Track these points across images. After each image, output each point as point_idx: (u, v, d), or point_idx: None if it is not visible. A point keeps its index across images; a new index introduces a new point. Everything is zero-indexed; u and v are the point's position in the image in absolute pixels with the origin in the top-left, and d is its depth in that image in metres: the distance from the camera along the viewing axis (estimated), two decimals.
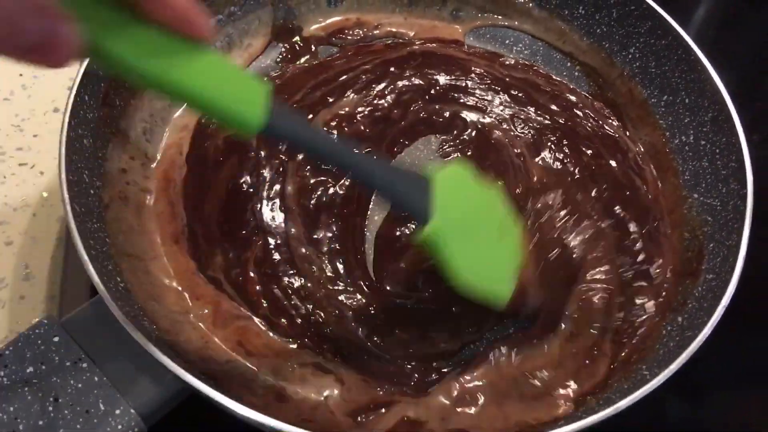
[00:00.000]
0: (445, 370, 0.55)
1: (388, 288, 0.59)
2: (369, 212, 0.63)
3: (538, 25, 0.77)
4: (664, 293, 0.59)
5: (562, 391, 0.54)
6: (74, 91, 0.57)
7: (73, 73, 0.72)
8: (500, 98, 0.71)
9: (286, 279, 0.58)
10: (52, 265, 0.61)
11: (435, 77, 0.71)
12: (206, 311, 0.57)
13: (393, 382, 0.54)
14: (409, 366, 0.55)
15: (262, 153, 0.64)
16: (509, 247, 0.55)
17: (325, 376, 0.54)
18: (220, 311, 0.56)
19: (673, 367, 0.49)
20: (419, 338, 0.57)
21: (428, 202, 0.49)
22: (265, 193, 0.62)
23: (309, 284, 0.58)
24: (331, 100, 0.69)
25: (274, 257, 0.59)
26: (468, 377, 0.55)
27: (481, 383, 0.55)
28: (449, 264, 0.49)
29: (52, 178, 0.66)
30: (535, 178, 0.65)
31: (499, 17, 0.78)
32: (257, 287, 0.58)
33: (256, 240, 0.60)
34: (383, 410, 0.53)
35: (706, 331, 0.51)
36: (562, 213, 0.63)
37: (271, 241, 0.60)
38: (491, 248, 0.53)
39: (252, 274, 0.58)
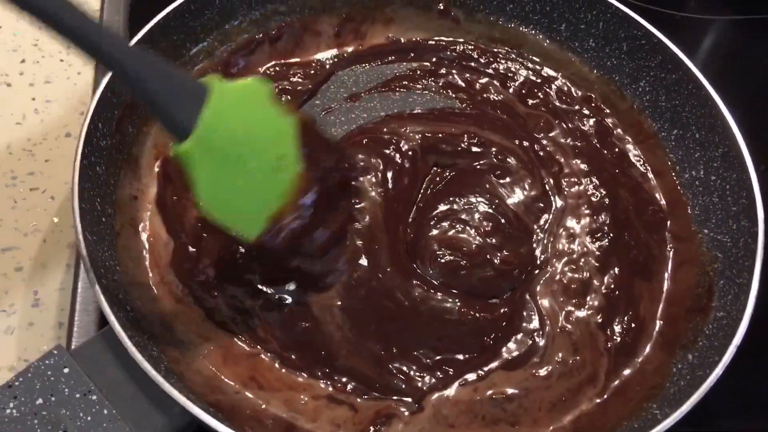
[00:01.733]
0: None
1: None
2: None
3: (548, 58, 0.78)
4: None
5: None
6: (88, 119, 0.57)
7: (86, 98, 0.73)
8: None
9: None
10: (61, 292, 0.61)
11: None
12: (215, 351, 0.56)
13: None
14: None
15: None
16: (277, 185, 0.51)
17: (339, 407, 0.54)
18: (230, 353, 0.56)
19: (684, 408, 0.49)
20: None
21: (194, 114, 0.45)
22: None
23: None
24: None
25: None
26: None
27: None
28: (196, 188, 0.47)
29: (62, 203, 0.66)
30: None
31: (509, 49, 0.79)
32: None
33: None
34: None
35: (718, 371, 0.51)
36: None
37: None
38: (254, 181, 0.50)
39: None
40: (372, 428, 0.54)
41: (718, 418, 0.61)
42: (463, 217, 0.63)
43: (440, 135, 0.67)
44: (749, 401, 0.63)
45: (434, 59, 0.77)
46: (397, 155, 0.65)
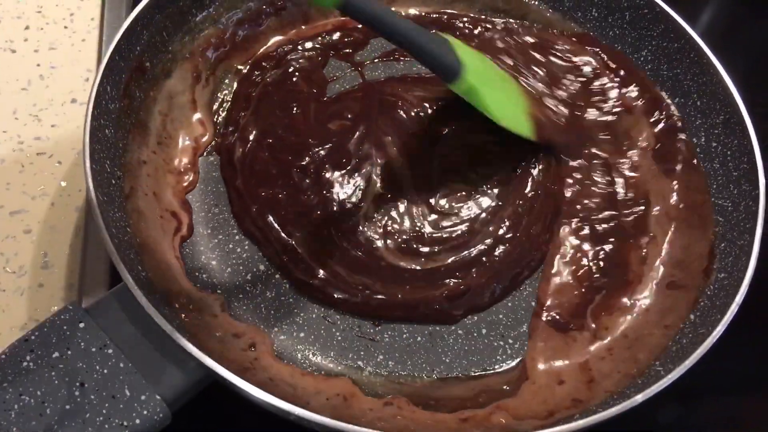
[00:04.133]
0: None
1: None
2: None
3: (551, 27, 0.78)
4: None
5: None
6: (97, 81, 0.57)
7: (90, 64, 0.74)
8: None
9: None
10: (70, 253, 0.62)
11: None
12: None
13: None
14: None
15: None
16: (517, 95, 0.67)
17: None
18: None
19: (688, 363, 0.50)
20: None
21: (458, 59, 0.60)
22: None
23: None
24: None
25: None
26: None
27: None
28: (489, 107, 0.61)
29: (70, 168, 0.66)
30: None
31: (512, 19, 0.79)
32: None
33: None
34: None
35: (720, 328, 0.52)
36: None
37: None
38: (508, 95, 0.66)
39: None
40: None
41: (708, 395, 0.63)
42: None
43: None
44: (739, 378, 0.64)
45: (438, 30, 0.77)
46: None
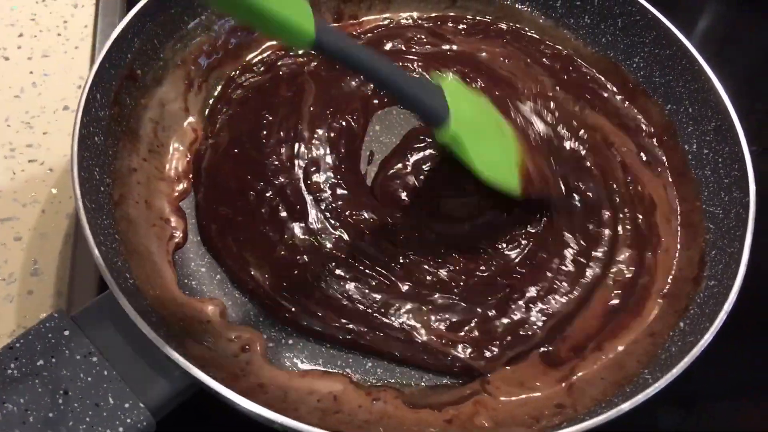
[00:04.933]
0: None
1: None
2: None
3: (543, 34, 0.78)
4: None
5: None
6: (87, 89, 0.58)
7: (83, 72, 0.74)
8: None
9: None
10: (60, 261, 0.62)
11: None
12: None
13: None
14: None
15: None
16: (509, 145, 0.62)
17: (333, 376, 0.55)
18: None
19: (675, 371, 0.50)
20: None
21: (445, 105, 0.56)
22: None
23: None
24: None
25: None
26: None
27: None
28: (472, 160, 0.57)
29: (61, 175, 0.66)
30: None
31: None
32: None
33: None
34: None
35: (708, 336, 0.52)
36: None
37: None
38: (498, 146, 0.61)
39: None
40: None
41: (707, 400, 0.63)
42: None
43: None
44: (733, 383, 0.65)
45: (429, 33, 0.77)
46: None
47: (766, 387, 0.65)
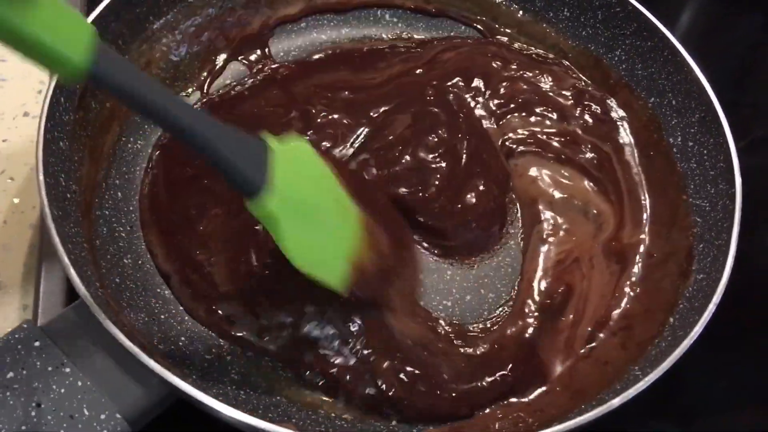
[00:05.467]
0: None
1: None
2: None
3: (522, 29, 0.81)
4: None
5: None
6: (50, 92, 0.58)
7: (43, 76, 0.74)
8: None
9: None
10: (25, 272, 0.62)
11: None
12: None
13: None
14: None
15: None
16: (346, 232, 0.55)
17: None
18: None
19: (665, 365, 0.52)
20: None
21: (265, 171, 0.48)
22: None
23: None
24: None
25: None
26: None
27: None
28: (284, 244, 0.49)
29: (23, 184, 0.67)
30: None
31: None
32: None
33: None
34: None
35: (698, 329, 0.54)
36: None
37: None
38: (326, 235, 0.54)
39: None
40: None
41: (704, 414, 0.65)
42: None
43: None
44: (735, 396, 0.67)
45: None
46: None
47: (762, 393, 0.67)
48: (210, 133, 0.45)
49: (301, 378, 0.57)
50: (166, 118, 0.44)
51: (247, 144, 0.48)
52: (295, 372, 0.57)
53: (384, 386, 0.55)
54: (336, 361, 0.56)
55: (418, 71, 0.75)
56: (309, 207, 0.52)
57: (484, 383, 0.57)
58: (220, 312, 0.59)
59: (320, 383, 0.56)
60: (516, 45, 0.80)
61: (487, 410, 0.57)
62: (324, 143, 0.68)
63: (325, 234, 0.54)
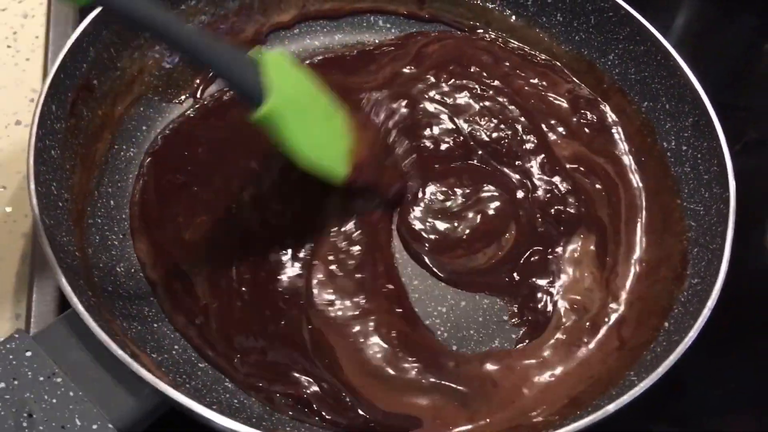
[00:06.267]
0: None
1: None
2: None
3: (515, 33, 0.81)
4: None
5: None
6: (42, 101, 0.58)
7: (35, 84, 0.74)
8: None
9: None
10: (17, 282, 0.62)
11: None
12: None
13: None
14: None
15: None
16: (338, 129, 0.62)
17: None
18: None
19: (660, 370, 0.52)
20: None
21: (261, 82, 0.54)
22: None
23: None
24: None
25: None
26: None
27: None
28: (290, 142, 0.56)
29: (15, 193, 0.67)
30: None
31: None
32: None
33: None
34: None
35: (693, 333, 0.54)
36: None
37: None
38: (323, 129, 0.61)
39: None
40: None
41: (702, 418, 0.65)
42: None
43: None
44: (732, 400, 0.67)
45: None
46: None
47: (759, 397, 0.68)
48: (213, 53, 0.53)
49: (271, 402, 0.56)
50: (178, 41, 0.51)
51: (242, 61, 0.54)
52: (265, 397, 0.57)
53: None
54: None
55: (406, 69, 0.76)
56: (305, 105, 0.59)
57: None
58: (197, 322, 0.59)
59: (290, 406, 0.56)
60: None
61: None
62: None
63: (323, 127, 0.60)
